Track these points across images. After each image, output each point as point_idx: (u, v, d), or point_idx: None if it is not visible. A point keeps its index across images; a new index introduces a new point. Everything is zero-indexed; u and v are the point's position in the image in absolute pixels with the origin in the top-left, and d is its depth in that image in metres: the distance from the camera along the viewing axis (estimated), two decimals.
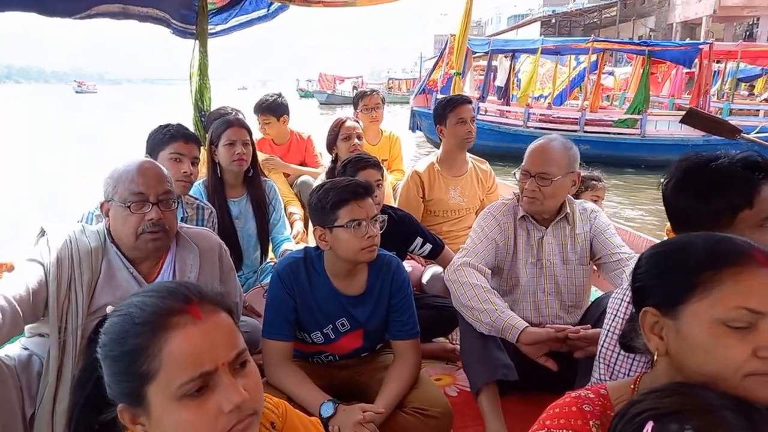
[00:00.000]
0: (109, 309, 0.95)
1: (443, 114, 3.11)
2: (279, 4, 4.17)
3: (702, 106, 11.54)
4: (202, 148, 2.69)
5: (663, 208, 1.46)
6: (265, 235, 2.94)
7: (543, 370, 1.86)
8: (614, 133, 12.10)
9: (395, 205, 3.21)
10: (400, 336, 2.00)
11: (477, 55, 14.91)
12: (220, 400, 0.84)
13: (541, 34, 38.10)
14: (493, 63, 15.55)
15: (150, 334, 0.84)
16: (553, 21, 41.99)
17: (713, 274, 0.90)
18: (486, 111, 13.35)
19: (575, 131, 11.98)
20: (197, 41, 3.97)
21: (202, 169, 3.05)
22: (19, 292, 1.54)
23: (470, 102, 3.21)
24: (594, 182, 3.33)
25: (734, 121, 9.39)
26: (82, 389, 0.95)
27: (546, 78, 15.97)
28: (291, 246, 2.99)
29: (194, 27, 3.95)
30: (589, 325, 1.93)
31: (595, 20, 42.47)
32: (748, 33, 30.82)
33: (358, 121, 3.48)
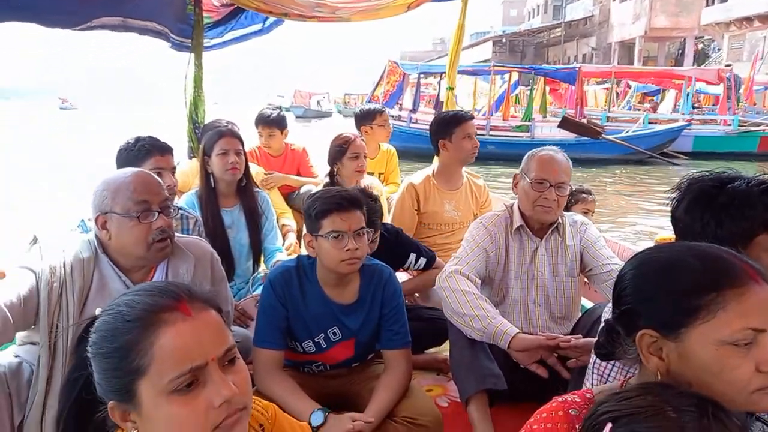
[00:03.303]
0: (98, 310, 0.95)
1: (448, 129, 3.10)
2: (274, 18, 4.21)
3: (578, 114, 15.81)
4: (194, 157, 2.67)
5: None
6: (257, 244, 2.94)
7: (532, 379, 1.87)
8: (512, 136, 15.59)
9: (389, 218, 3.22)
10: (391, 345, 2.00)
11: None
12: (210, 394, 0.85)
13: (493, 53, 42.16)
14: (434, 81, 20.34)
15: (140, 330, 0.85)
16: (504, 41, 45.30)
17: (715, 296, 0.90)
18: (417, 120, 16.18)
19: (483, 135, 14.62)
20: (192, 54, 4.00)
21: (195, 180, 3.07)
22: (11, 299, 1.54)
23: (473, 118, 3.22)
24: (584, 195, 3.37)
25: (610, 126, 15.23)
26: (72, 388, 0.95)
27: (481, 94, 20.10)
28: (283, 257, 2.99)
29: (190, 40, 3.99)
30: (580, 335, 1.94)
31: (543, 40, 45.43)
32: (680, 51, 34.12)
33: (361, 137, 3.45)
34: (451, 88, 4.25)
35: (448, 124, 3.12)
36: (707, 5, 28.93)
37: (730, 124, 15.83)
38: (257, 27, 4.42)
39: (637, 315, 0.99)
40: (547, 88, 18.89)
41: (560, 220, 2.26)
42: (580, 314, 2.33)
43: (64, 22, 2.63)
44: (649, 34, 32.58)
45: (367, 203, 2.35)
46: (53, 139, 24.30)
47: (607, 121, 16.31)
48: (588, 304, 2.69)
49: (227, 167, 2.75)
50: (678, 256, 0.98)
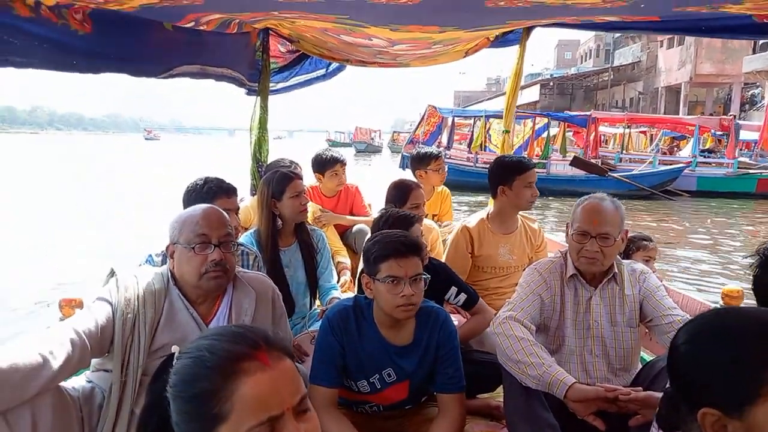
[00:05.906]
0: (174, 348, 1.00)
1: (510, 176, 3.04)
2: (337, 64, 4.39)
3: (592, 155, 18.66)
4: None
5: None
6: (314, 281, 3.01)
7: (589, 431, 1.82)
8: None
9: (443, 258, 3.22)
10: (445, 389, 2.00)
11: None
12: None
13: (541, 95, 43.20)
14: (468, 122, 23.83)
15: (221, 378, 0.89)
16: (551, 84, 46.17)
17: None
18: (451, 156, 18.52)
19: None
20: (259, 97, 4.19)
21: (254, 218, 3.17)
22: (89, 327, 1.65)
23: (535, 166, 3.17)
24: (645, 242, 3.29)
25: (623, 166, 18.41)
26: (146, 426, 1.00)
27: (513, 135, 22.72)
28: (338, 294, 3.04)
29: (257, 84, 4.18)
30: (640, 388, 1.88)
31: (591, 84, 46.00)
32: (728, 96, 33.69)
33: (420, 186, 3.35)
34: (507, 131, 4.26)
35: (511, 171, 3.05)
36: (754, 53, 28.36)
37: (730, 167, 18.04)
38: (321, 72, 4.61)
39: (695, 391, 0.94)
40: (571, 132, 22.38)
41: (617, 269, 2.21)
42: (640, 366, 2.26)
43: (148, 71, 2.81)
44: (694, 80, 32.76)
45: None
46: (141, 169, 25.98)
47: (620, 162, 18.99)
48: (648, 355, 2.61)
49: (300, 209, 2.87)
50: (740, 327, 0.93)
